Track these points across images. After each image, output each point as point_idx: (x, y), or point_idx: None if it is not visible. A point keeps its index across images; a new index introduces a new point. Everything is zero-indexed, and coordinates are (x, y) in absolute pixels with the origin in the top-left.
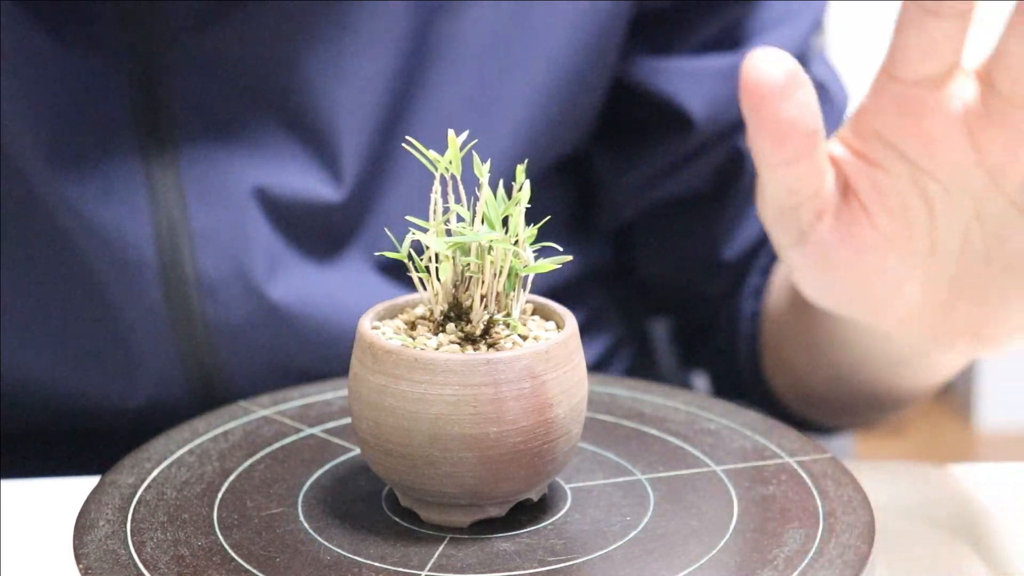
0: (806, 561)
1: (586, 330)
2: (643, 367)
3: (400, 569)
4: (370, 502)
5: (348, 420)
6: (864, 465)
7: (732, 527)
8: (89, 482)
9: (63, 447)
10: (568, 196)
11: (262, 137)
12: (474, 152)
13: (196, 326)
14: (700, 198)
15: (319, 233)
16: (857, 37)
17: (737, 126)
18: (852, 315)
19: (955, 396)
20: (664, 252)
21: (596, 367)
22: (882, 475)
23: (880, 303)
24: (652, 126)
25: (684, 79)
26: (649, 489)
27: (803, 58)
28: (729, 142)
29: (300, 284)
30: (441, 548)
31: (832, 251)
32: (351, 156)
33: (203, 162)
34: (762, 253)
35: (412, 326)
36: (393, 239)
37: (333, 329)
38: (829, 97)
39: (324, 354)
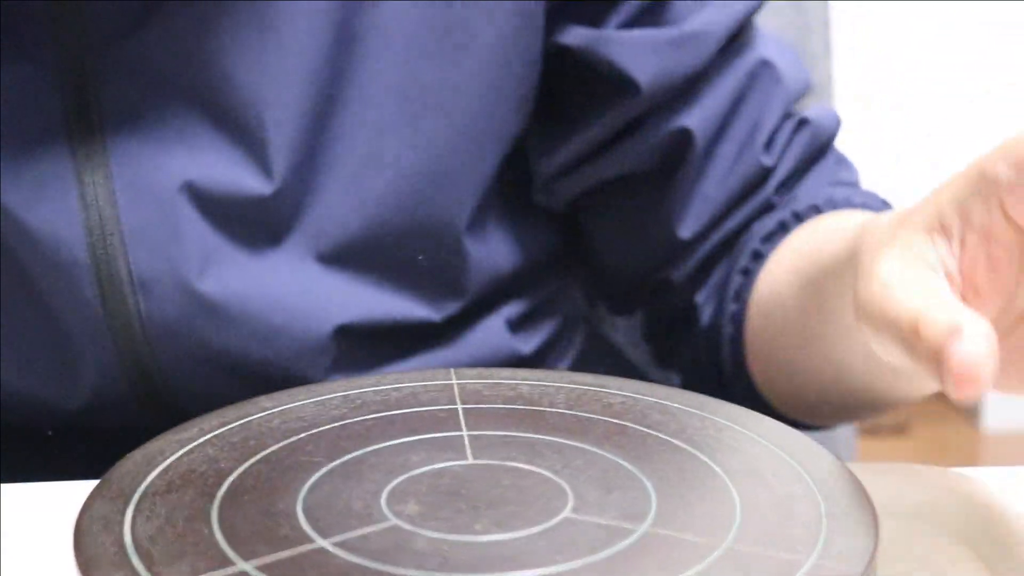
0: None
1: (532, 318)
2: (594, 353)
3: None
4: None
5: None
6: (867, 467)
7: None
8: (89, 486)
9: (23, 446)
10: (511, 182)
11: (190, 134)
12: None
13: (132, 324)
14: (644, 177)
15: (253, 226)
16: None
17: (678, 97)
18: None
19: None
20: (617, 234)
21: (543, 355)
22: (886, 478)
23: None
24: (591, 94)
25: (621, 47)
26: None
27: (742, 36)
28: (671, 119)
29: (235, 278)
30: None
31: None
32: (279, 149)
33: (133, 161)
34: (731, 255)
35: None
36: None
37: (270, 322)
38: (775, 74)
39: (263, 347)
